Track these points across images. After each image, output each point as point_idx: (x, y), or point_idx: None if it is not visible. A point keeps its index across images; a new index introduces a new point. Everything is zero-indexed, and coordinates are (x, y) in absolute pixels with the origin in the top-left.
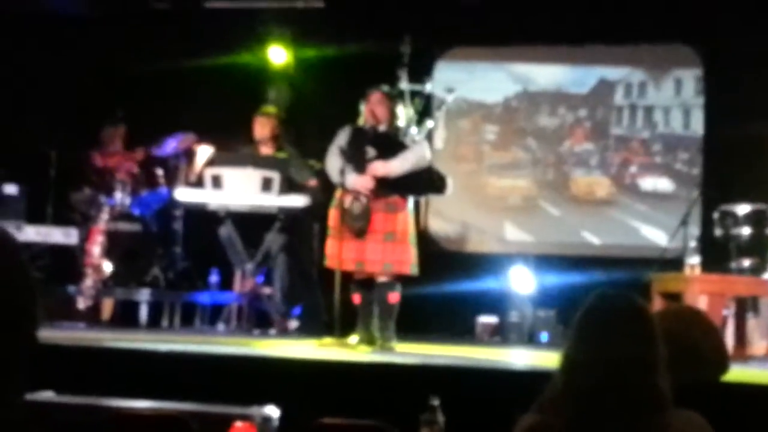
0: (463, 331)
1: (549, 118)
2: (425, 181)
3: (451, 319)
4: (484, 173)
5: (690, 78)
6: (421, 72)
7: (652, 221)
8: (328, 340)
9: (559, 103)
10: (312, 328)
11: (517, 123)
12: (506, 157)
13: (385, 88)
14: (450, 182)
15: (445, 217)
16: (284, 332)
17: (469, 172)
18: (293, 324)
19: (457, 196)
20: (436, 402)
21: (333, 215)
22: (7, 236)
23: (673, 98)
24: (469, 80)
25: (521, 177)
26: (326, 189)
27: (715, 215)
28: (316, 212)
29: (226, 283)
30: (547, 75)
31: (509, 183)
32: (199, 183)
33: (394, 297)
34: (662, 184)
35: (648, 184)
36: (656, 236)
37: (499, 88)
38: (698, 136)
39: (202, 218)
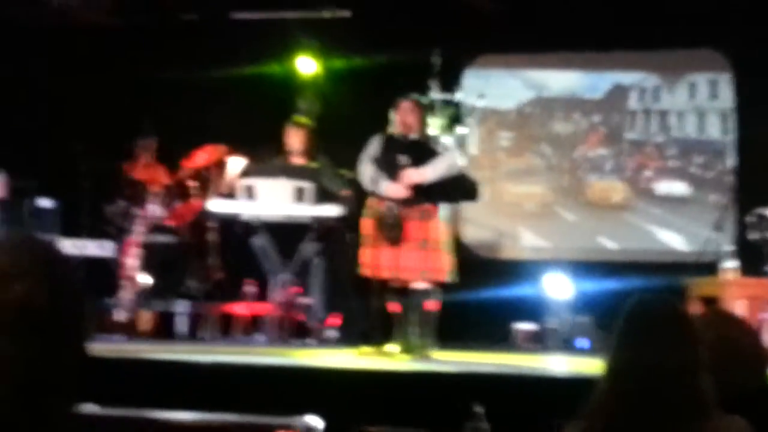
0: (500, 339)
1: (563, 123)
2: (457, 188)
3: (489, 327)
4: (501, 180)
5: (704, 82)
6: (451, 81)
7: (670, 225)
8: (367, 349)
9: (573, 108)
10: (350, 337)
11: (531, 129)
12: (520, 164)
13: (415, 96)
14: (483, 189)
15: (477, 224)
16: (323, 342)
17: (490, 178)
18: (331, 333)
19: (488, 203)
20: (480, 409)
21: (366, 224)
22: (56, 250)
23: (687, 102)
24: (485, 88)
25: (536, 183)
26: (359, 198)
27: (750, 219)
28: (350, 221)
29: (262, 294)
30: (561, 81)
31: (524, 189)
32: (231, 194)
33: (432, 305)
34: (678, 187)
35: (663, 188)
36: (674, 240)
37: (514, 95)
38: (713, 139)
39: (236, 229)
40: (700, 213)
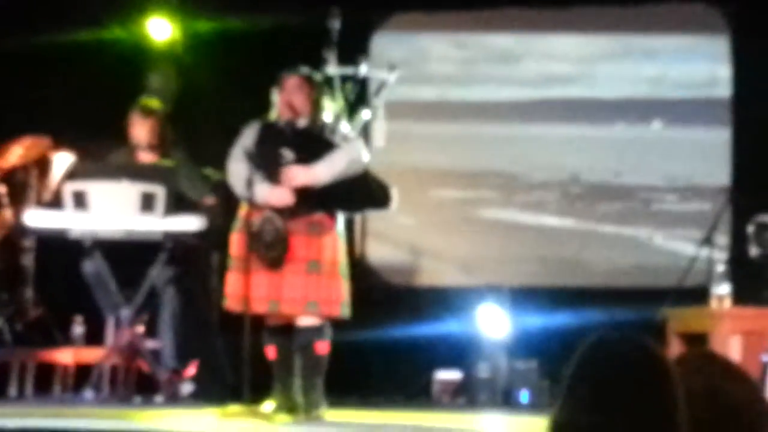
0: (416, 392)
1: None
2: (361, 193)
3: (401, 376)
4: (420, 181)
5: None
6: (353, 50)
7: (642, 238)
8: (234, 408)
9: None
10: (212, 392)
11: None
12: (445, 159)
13: (305, 70)
14: (395, 193)
15: (387, 240)
16: (175, 399)
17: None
18: (187, 388)
19: (404, 212)
20: None
21: (237, 241)
22: None
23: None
24: (399, 58)
25: (467, 185)
26: (228, 206)
27: (750, 229)
28: (215, 238)
29: (94, 336)
30: (502, 48)
31: (450, 194)
32: (56, 202)
33: (323, 347)
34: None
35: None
36: (647, 257)
37: (437, 67)
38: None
39: (60, 250)
40: (683, 221)
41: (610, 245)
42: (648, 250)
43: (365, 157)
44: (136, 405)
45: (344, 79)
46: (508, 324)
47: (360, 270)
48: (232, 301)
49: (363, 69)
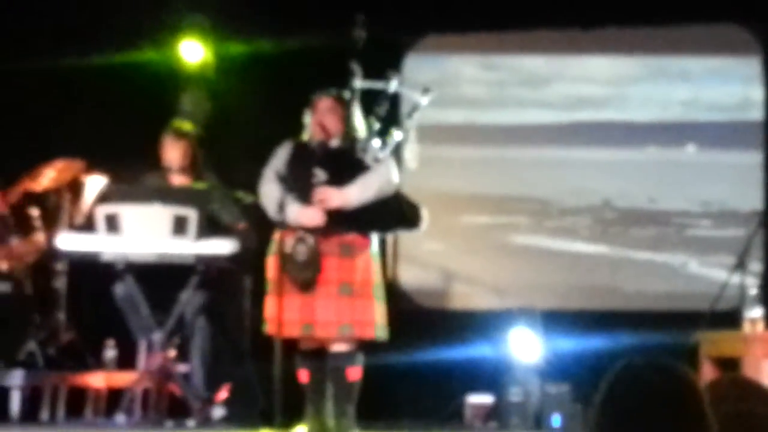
0: (447, 416)
1: None
2: (393, 214)
3: (433, 400)
4: (453, 203)
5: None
6: (383, 65)
7: (675, 262)
8: None
9: None
10: (244, 416)
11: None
12: (479, 182)
13: (336, 91)
14: (426, 214)
15: (418, 263)
16: (207, 423)
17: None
18: (219, 412)
19: (434, 236)
20: None
21: (271, 264)
22: None
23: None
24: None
25: (499, 209)
26: (262, 229)
27: None
28: (248, 261)
29: (126, 360)
30: (535, 69)
31: (484, 219)
32: (88, 225)
33: (355, 372)
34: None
35: None
36: (679, 281)
37: (470, 89)
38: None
39: (92, 273)
40: (717, 246)
41: (642, 271)
42: (681, 276)
43: (397, 178)
44: (168, 429)
45: (375, 95)
46: (540, 348)
47: (391, 293)
48: (271, 325)
49: (393, 85)
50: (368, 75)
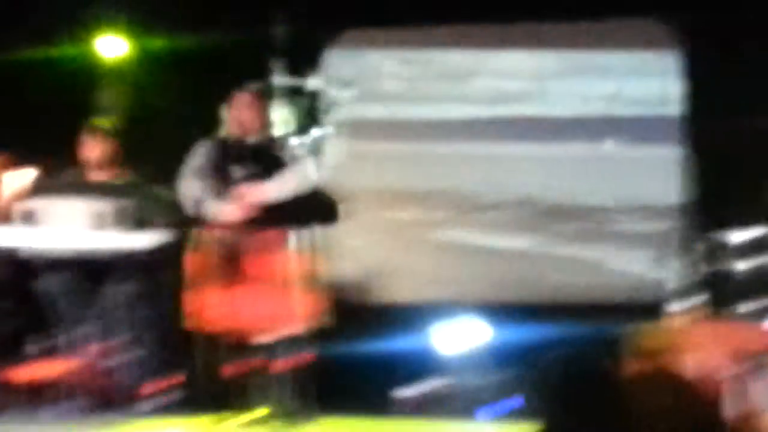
0: (376, 409)
1: None
2: (310, 209)
3: (359, 393)
4: (379, 198)
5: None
6: (302, 63)
7: (621, 258)
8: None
9: None
10: (191, 403)
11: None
12: (404, 176)
13: (255, 86)
14: (343, 209)
15: (341, 258)
16: (141, 413)
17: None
18: (147, 405)
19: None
20: None
21: (192, 260)
22: None
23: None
24: (353, 73)
25: (427, 203)
26: (182, 225)
27: (701, 247)
28: (168, 256)
29: (51, 353)
30: (459, 62)
31: (424, 214)
32: (6, 220)
33: (285, 362)
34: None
35: None
36: (624, 278)
37: (392, 83)
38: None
39: (11, 268)
40: (638, 241)
41: (565, 265)
42: (603, 270)
43: (315, 175)
44: (101, 421)
45: (294, 91)
46: (466, 340)
47: (318, 287)
48: (192, 320)
49: (313, 81)
50: (288, 71)
